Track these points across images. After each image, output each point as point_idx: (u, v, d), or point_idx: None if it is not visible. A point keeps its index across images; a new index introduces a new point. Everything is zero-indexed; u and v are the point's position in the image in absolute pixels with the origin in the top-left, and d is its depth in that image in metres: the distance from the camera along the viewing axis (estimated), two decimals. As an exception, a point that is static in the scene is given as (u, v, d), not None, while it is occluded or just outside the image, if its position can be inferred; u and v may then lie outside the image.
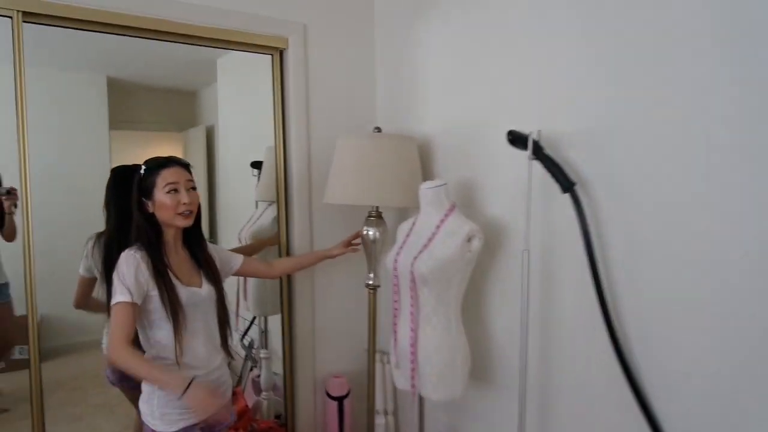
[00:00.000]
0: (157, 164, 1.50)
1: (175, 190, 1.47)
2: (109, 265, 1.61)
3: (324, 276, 2.23)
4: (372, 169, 1.79)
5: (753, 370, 1.15)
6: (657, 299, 1.31)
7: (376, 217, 1.94)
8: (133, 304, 1.38)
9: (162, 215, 1.48)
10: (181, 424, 1.45)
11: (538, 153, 1.46)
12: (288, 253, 2.19)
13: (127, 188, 1.53)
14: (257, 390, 2.60)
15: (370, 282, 1.97)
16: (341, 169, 1.86)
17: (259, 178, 2.41)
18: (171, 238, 1.52)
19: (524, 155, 1.48)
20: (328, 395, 2.17)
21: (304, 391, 2.23)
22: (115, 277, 1.40)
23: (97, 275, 1.79)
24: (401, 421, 2.33)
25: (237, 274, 1.79)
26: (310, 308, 2.20)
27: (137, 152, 1.95)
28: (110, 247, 1.68)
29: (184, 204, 1.48)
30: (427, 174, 2.02)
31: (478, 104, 1.82)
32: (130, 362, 1.37)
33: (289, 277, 2.18)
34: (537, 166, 1.48)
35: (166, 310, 1.43)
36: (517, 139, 1.48)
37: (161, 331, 1.46)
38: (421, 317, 1.60)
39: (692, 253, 1.23)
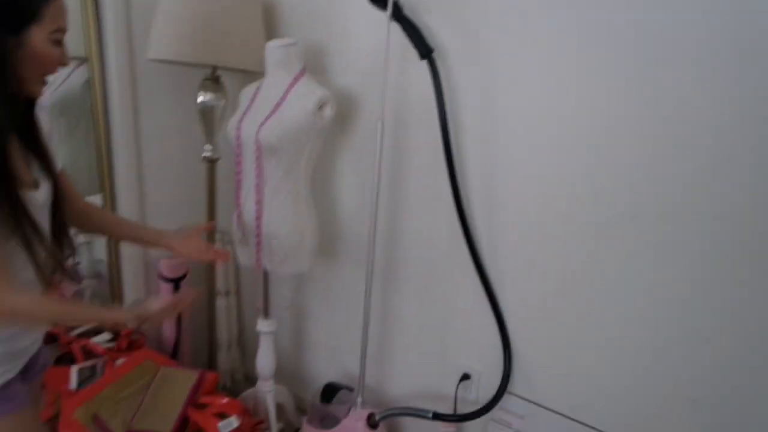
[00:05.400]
0: None
1: (59, 42, 0.93)
2: None
3: (154, 147, 1.95)
4: (207, 21, 1.52)
5: (588, 244, 1.27)
6: (506, 169, 1.36)
7: (213, 80, 1.70)
8: None
9: (29, 73, 0.90)
10: (2, 380, 1.01)
11: (398, 15, 1.35)
12: (107, 130, 1.84)
13: None
14: (77, 278, 2.34)
15: (208, 154, 1.78)
16: (170, 18, 1.55)
17: (62, 30, 1.99)
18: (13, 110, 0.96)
19: (382, 18, 1.37)
20: (162, 277, 2.00)
21: (131, 274, 2.02)
22: None
23: None
24: (243, 301, 2.27)
25: None
26: (136, 184, 1.93)
27: None
28: None
29: (63, 65, 0.95)
30: (271, 34, 1.80)
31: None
32: (51, 309, 0.96)
33: (108, 148, 1.86)
34: (396, 29, 1.38)
35: (14, 232, 0.91)
36: (376, -4, 1.35)
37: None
38: (268, 189, 1.49)
39: (546, 125, 1.27)
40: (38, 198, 0.98)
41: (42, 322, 0.99)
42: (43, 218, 1.01)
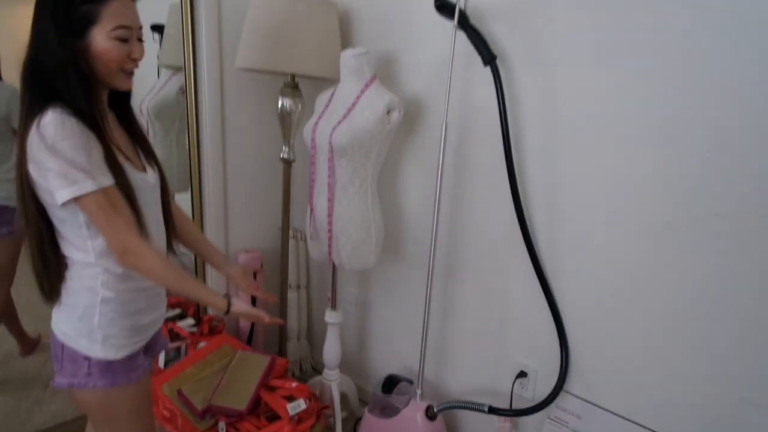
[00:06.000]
0: None
1: (125, 40, 1.02)
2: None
3: (238, 149, 2.13)
4: (288, 33, 1.67)
5: (647, 245, 1.28)
6: (566, 171, 1.39)
7: (292, 87, 1.85)
8: (111, 188, 1.00)
9: (101, 68, 1.02)
10: (128, 350, 1.13)
11: (464, 23, 1.43)
12: (198, 132, 2.03)
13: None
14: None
15: (285, 155, 1.92)
16: (255, 31, 1.71)
17: (161, 43, 2.21)
18: (104, 102, 1.09)
19: (448, 27, 1.45)
20: (241, 270, 2.16)
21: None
22: (47, 156, 0.93)
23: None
24: (312, 295, 2.41)
25: None
26: (221, 182, 2.12)
27: None
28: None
29: (134, 60, 1.05)
30: (346, 44, 1.92)
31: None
32: (169, 271, 1.04)
33: (198, 149, 2.06)
34: (461, 37, 1.45)
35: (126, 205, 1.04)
36: (444, 6, 1.42)
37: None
38: (338, 189, 1.60)
39: (604, 128, 1.30)
40: (149, 180, 1.11)
41: (155, 275, 1.04)
42: (154, 199, 1.15)
